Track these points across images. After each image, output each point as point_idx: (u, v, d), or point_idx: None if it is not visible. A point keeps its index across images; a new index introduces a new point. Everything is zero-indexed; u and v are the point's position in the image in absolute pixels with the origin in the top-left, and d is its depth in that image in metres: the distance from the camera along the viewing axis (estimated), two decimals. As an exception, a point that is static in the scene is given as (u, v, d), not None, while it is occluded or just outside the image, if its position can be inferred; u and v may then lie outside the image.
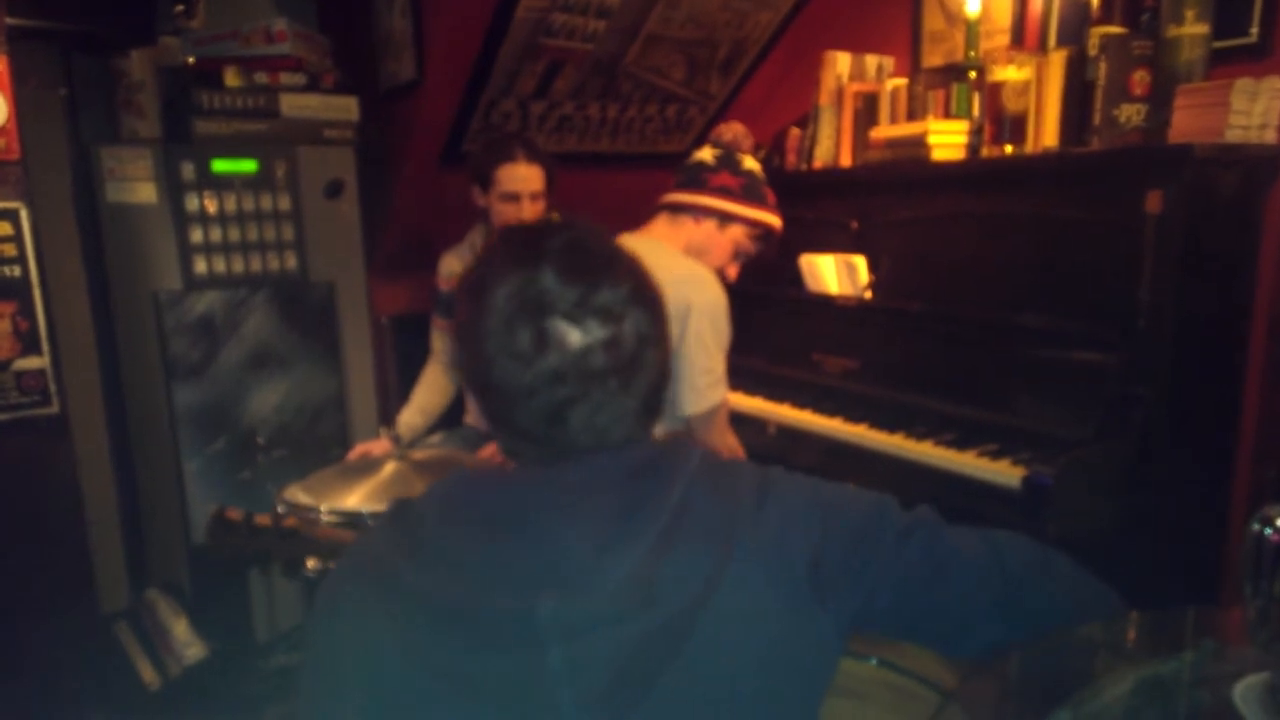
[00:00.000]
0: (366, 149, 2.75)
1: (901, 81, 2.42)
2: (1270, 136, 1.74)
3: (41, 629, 2.03)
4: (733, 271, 2.00)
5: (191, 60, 2.54)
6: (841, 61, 2.54)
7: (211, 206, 2.50)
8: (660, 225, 1.96)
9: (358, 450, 2.11)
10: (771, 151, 2.74)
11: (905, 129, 2.30)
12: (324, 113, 2.65)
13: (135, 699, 2.39)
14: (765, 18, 2.80)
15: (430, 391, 2.46)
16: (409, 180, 2.87)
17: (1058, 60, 1.97)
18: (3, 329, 1.93)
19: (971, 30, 2.22)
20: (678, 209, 1.95)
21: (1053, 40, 2.09)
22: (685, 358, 1.76)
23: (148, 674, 2.43)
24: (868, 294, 2.32)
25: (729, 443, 1.97)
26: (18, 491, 1.99)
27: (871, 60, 2.57)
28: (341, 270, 2.74)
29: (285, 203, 2.61)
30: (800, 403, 2.29)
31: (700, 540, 0.80)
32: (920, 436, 1.97)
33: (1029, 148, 2.03)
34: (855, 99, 2.48)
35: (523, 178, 2.22)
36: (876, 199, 2.36)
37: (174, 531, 2.58)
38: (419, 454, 1.91)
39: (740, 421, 2.15)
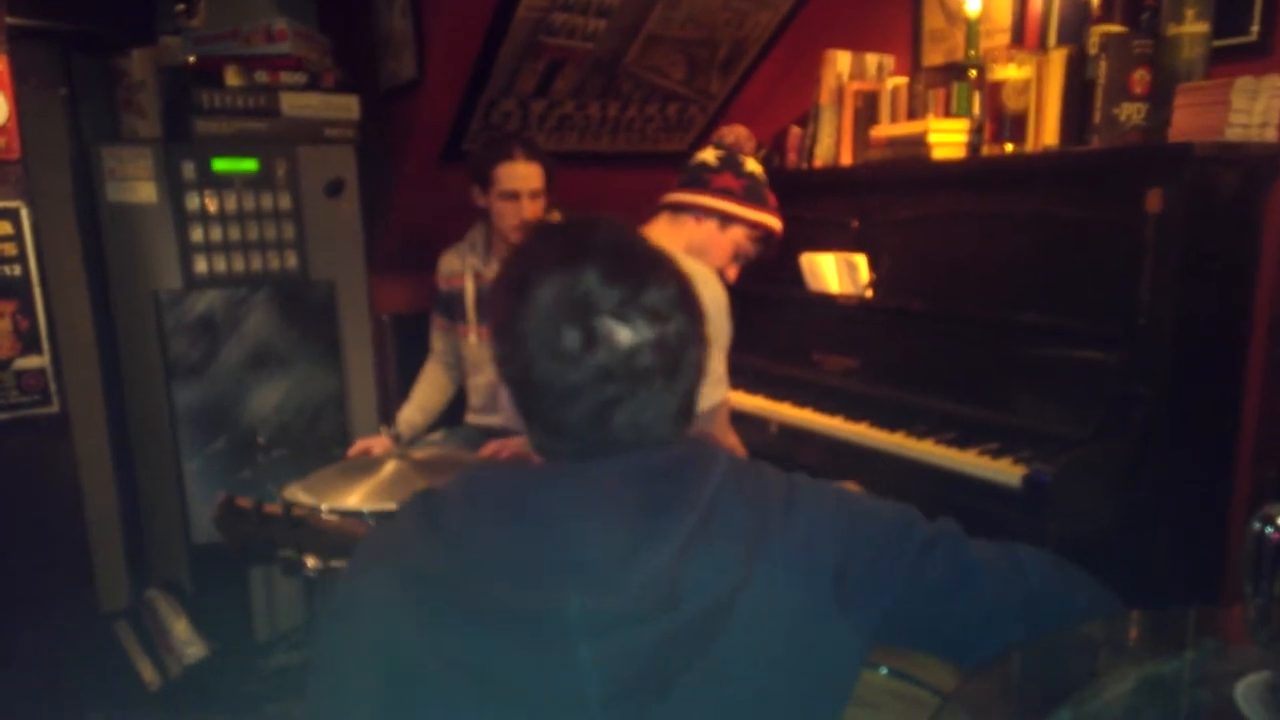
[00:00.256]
0: (367, 148, 2.75)
1: (902, 80, 2.42)
2: (1270, 135, 1.74)
3: (41, 628, 2.03)
4: (732, 273, 2.00)
5: (192, 59, 2.53)
6: (842, 60, 2.54)
7: (212, 206, 2.50)
8: (661, 225, 1.96)
9: (358, 446, 2.11)
10: (772, 150, 2.74)
11: (906, 128, 2.30)
12: (324, 112, 2.65)
13: (135, 698, 2.39)
14: (765, 17, 2.80)
15: (430, 390, 2.46)
16: (409, 179, 2.87)
17: (1058, 59, 1.97)
18: (3, 328, 1.93)
19: (972, 29, 2.22)
20: (679, 209, 1.95)
21: (1053, 39, 2.09)
22: None
23: (148, 673, 2.43)
24: (868, 293, 2.32)
25: (730, 442, 1.97)
26: (18, 491, 1.99)
27: (872, 59, 2.57)
28: (342, 269, 2.74)
29: (286, 202, 2.61)
30: (801, 402, 2.29)
31: (727, 542, 0.80)
32: (921, 435, 1.97)
33: (1029, 147, 2.03)
34: (856, 98, 2.48)
35: (522, 176, 2.22)
36: (877, 198, 2.36)
37: (174, 531, 2.58)
38: (419, 453, 1.91)
39: (741, 420, 2.15)
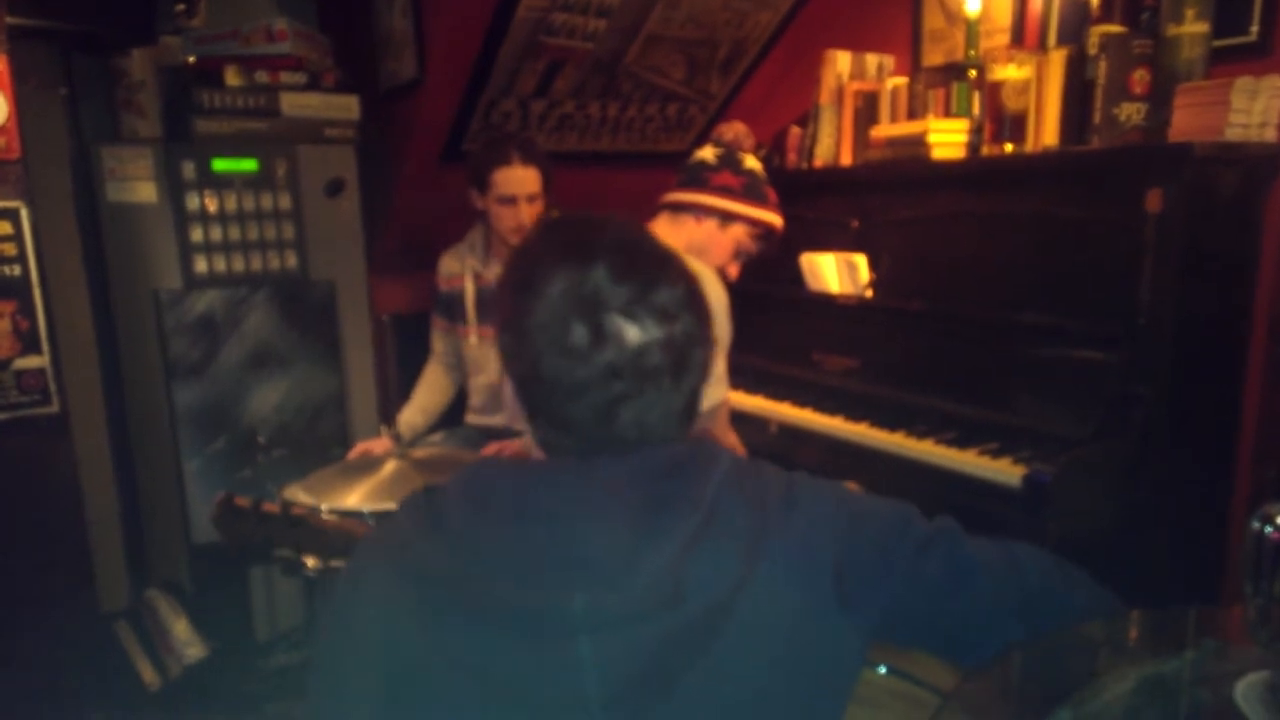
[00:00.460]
0: (367, 148, 2.75)
1: (902, 80, 2.42)
2: (1270, 135, 1.74)
3: (41, 628, 2.03)
4: (733, 271, 2.00)
5: (192, 59, 2.53)
6: (842, 60, 2.54)
7: (212, 205, 2.50)
8: (661, 224, 1.96)
9: (358, 448, 2.11)
10: (772, 150, 2.74)
11: (905, 128, 2.30)
12: (324, 112, 2.65)
13: (135, 698, 2.39)
14: (765, 17, 2.80)
15: (431, 391, 2.46)
16: (409, 179, 2.87)
17: (1058, 59, 1.97)
18: (3, 328, 1.93)
19: (971, 29, 2.22)
20: (679, 208, 1.95)
21: (1053, 39, 2.09)
22: None
23: (148, 674, 2.43)
24: (868, 293, 2.32)
25: (730, 441, 1.97)
26: (18, 491, 1.99)
27: (872, 59, 2.57)
28: (342, 269, 2.74)
29: (286, 201, 2.61)
30: (801, 401, 2.29)
31: (729, 541, 0.80)
32: (921, 435, 1.97)
33: (1029, 147, 2.03)
34: (855, 98, 2.48)
35: (518, 180, 2.21)
36: (877, 198, 2.36)
37: (174, 531, 2.58)
38: (419, 453, 1.91)
39: (741, 420, 2.15)
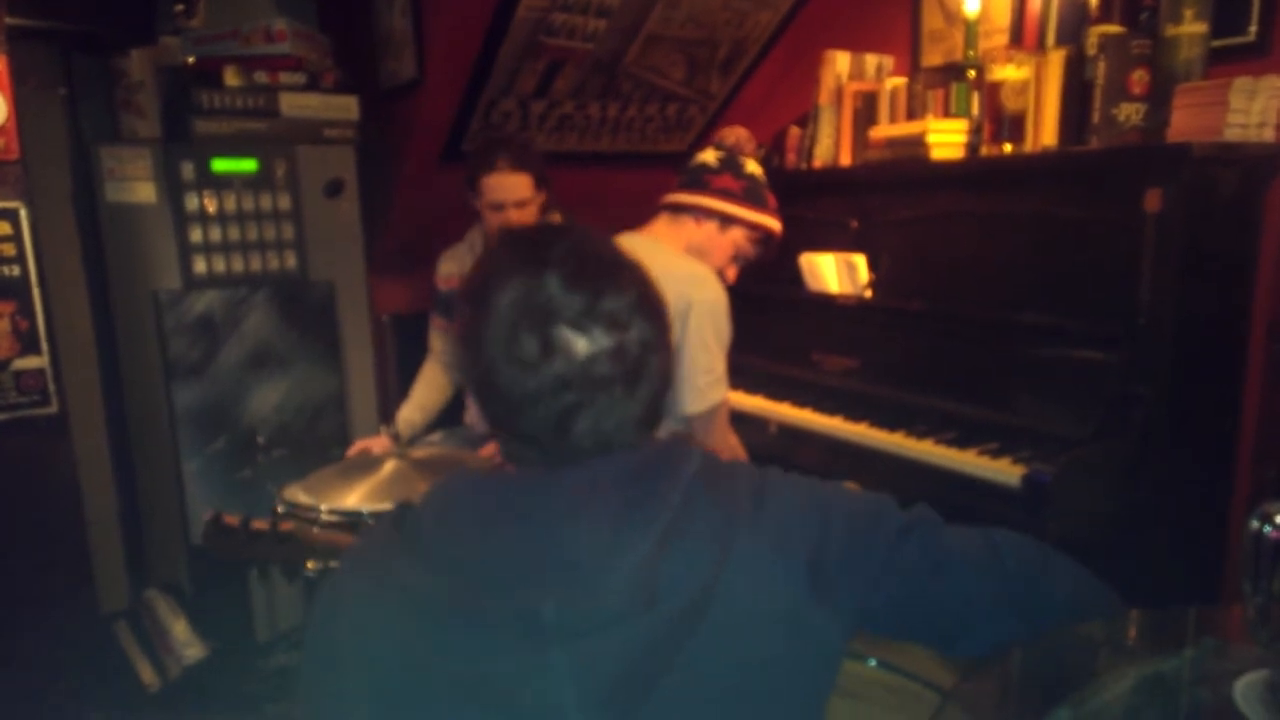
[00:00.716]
0: (367, 148, 2.75)
1: (901, 81, 2.42)
2: (1269, 135, 1.74)
3: (41, 629, 2.03)
4: (731, 274, 2.00)
5: (191, 60, 2.54)
6: (841, 61, 2.54)
7: (211, 206, 2.50)
8: (661, 225, 1.96)
9: (357, 446, 2.11)
10: (771, 151, 2.74)
11: (904, 128, 2.30)
12: (324, 112, 2.65)
13: (134, 699, 2.39)
14: (765, 17, 2.80)
15: (429, 389, 2.46)
16: (409, 179, 2.87)
17: (1056, 59, 1.97)
18: (2, 328, 1.93)
19: (970, 30, 2.22)
20: (679, 209, 1.95)
21: (1051, 39, 2.09)
22: (686, 357, 1.76)
23: (147, 674, 2.43)
24: (868, 293, 2.32)
25: (730, 442, 1.97)
26: (17, 491, 1.99)
27: (871, 59, 2.57)
28: (341, 269, 2.74)
29: (285, 202, 2.61)
30: (801, 402, 2.29)
31: (701, 540, 0.80)
32: (920, 435, 1.97)
33: (1028, 147, 2.03)
34: (855, 98, 2.48)
35: (506, 187, 2.19)
36: (876, 198, 2.36)
37: (173, 531, 2.58)
38: (419, 452, 1.91)
39: (741, 421, 2.15)
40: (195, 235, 2.49)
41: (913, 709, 1.30)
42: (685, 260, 1.86)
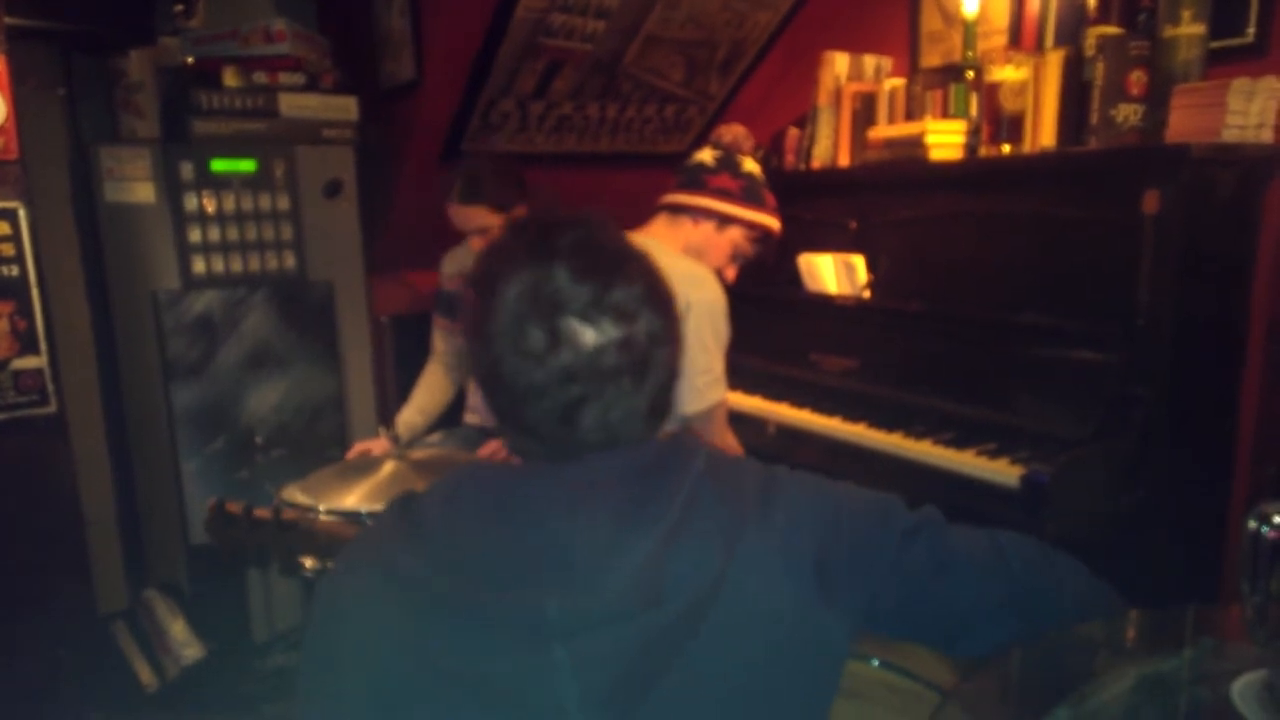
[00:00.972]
0: (366, 148, 2.75)
1: (899, 82, 2.42)
2: (1267, 136, 1.74)
3: (39, 629, 2.03)
4: (730, 273, 2.00)
5: (190, 60, 2.54)
6: (840, 62, 2.54)
7: (210, 206, 2.50)
8: (659, 225, 1.96)
9: (357, 449, 2.11)
10: (770, 151, 2.74)
11: (903, 129, 2.30)
12: (323, 112, 2.65)
13: (133, 699, 2.39)
14: (764, 18, 2.81)
15: (430, 392, 2.46)
16: (408, 180, 2.87)
17: (1055, 60, 1.97)
18: (1, 328, 1.93)
19: (969, 30, 2.23)
20: (677, 209, 1.95)
21: (1050, 40, 2.09)
22: (684, 357, 1.76)
23: (145, 674, 2.43)
24: (866, 293, 2.33)
25: (728, 442, 1.97)
26: (15, 491, 1.98)
27: (870, 60, 2.58)
28: (340, 270, 2.74)
29: (284, 202, 2.61)
30: (799, 402, 2.29)
31: (707, 538, 0.79)
32: (919, 435, 1.97)
33: (1026, 148, 2.03)
34: (853, 99, 2.48)
35: (461, 218, 2.18)
36: (875, 199, 2.36)
37: (172, 531, 2.58)
38: (418, 453, 1.91)
39: (739, 421, 2.15)
40: (194, 235, 2.49)
41: (915, 709, 1.30)
42: (684, 260, 1.86)
